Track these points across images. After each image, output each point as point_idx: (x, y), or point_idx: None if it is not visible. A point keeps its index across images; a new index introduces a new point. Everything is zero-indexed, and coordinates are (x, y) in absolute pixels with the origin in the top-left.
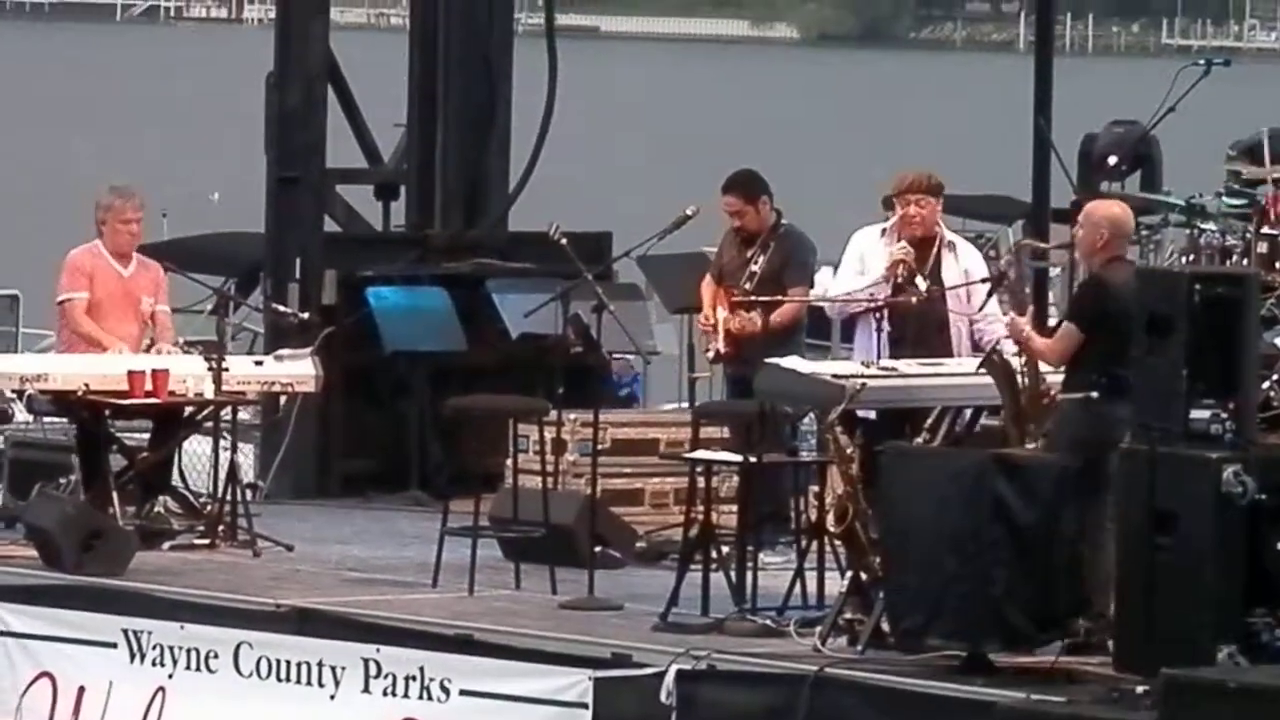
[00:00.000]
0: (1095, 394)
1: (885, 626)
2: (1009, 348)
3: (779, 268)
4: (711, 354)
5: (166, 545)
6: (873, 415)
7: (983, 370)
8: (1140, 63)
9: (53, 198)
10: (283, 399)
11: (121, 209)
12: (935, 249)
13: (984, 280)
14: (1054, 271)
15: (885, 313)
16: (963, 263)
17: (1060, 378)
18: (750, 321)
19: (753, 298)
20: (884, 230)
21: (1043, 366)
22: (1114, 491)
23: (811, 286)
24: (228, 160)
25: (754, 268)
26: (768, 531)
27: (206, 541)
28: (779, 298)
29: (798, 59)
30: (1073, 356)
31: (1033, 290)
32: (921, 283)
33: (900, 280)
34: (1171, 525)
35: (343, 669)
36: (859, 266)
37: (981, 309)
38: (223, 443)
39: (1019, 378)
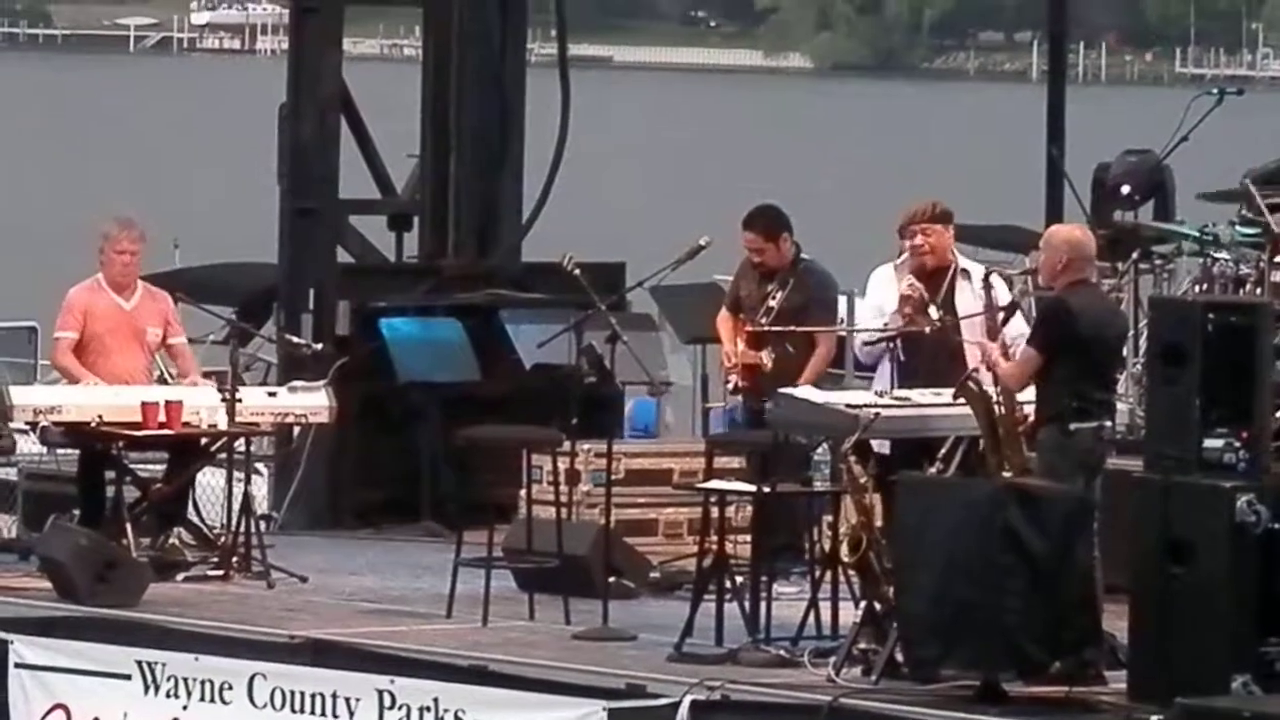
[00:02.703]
0: (1070, 422)
1: (899, 656)
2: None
3: (800, 305)
4: (731, 385)
5: (180, 577)
6: (886, 446)
7: (961, 399)
8: (1153, 92)
9: (68, 229)
10: (296, 430)
11: (118, 238)
12: (949, 278)
13: (1002, 308)
14: None
15: (899, 343)
16: (979, 289)
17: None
18: (758, 359)
19: (767, 330)
20: (896, 266)
21: (1022, 396)
22: (1126, 519)
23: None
24: (241, 191)
25: (771, 303)
26: (782, 561)
27: (220, 573)
28: (791, 328)
29: (811, 89)
30: (1040, 382)
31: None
32: (935, 312)
33: (911, 313)
34: (1185, 554)
35: (357, 700)
36: (878, 308)
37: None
38: (236, 474)
39: (995, 406)
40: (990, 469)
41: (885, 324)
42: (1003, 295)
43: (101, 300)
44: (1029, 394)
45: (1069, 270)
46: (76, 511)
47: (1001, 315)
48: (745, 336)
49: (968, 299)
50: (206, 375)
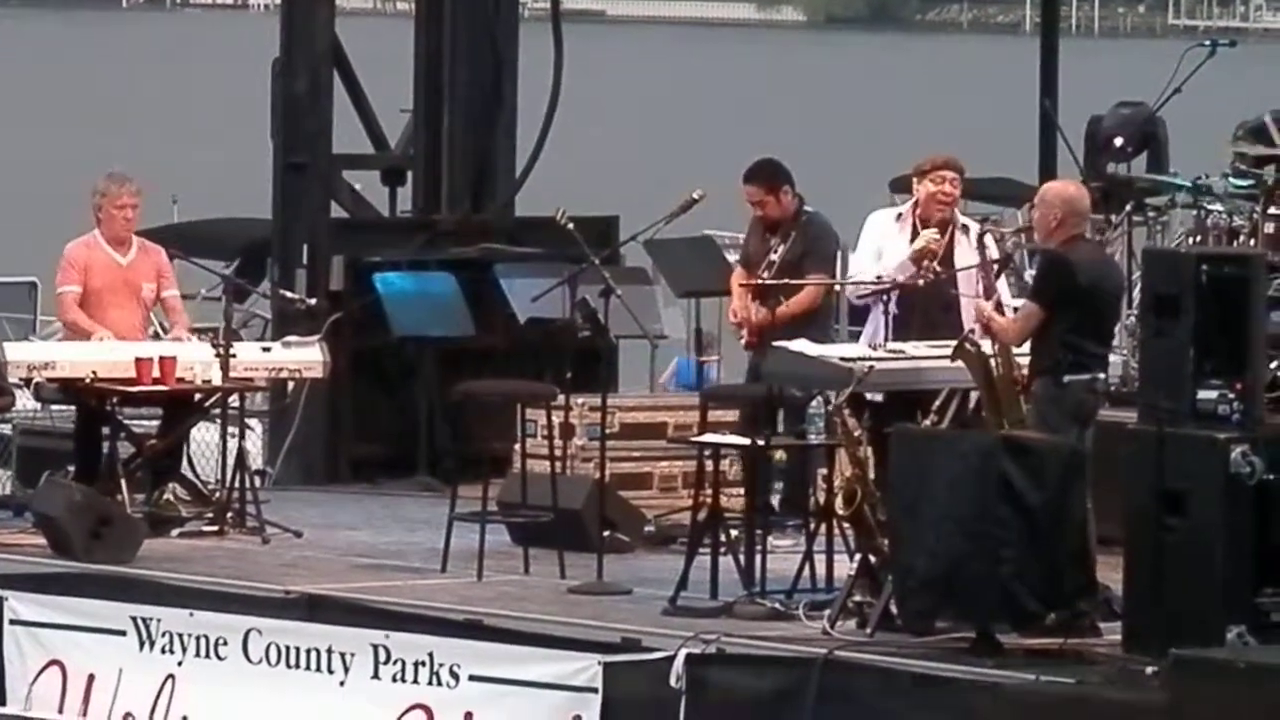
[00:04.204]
0: (1064, 373)
1: (894, 609)
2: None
3: (800, 256)
4: (743, 341)
5: (175, 532)
6: (879, 398)
7: (956, 360)
8: (1146, 44)
9: (65, 185)
10: (290, 385)
11: (116, 194)
12: (949, 233)
13: (996, 261)
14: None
15: (893, 296)
16: (974, 245)
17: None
18: (756, 310)
19: (769, 284)
20: (899, 215)
21: (1017, 351)
22: (1120, 471)
23: (833, 275)
24: (234, 146)
25: (773, 256)
26: (781, 514)
27: (215, 528)
28: (788, 281)
29: (804, 41)
30: (1037, 335)
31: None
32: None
33: (925, 269)
34: (1180, 506)
35: (352, 655)
36: (875, 251)
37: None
38: (230, 429)
39: (993, 364)
40: (990, 428)
41: (878, 276)
42: (993, 253)
43: (98, 256)
44: (1024, 348)
45: (1064, 226)
46: (71, 468)
47: (995, 268)
48: (751, 291)
49: (965, 254)
50: (203, 331)
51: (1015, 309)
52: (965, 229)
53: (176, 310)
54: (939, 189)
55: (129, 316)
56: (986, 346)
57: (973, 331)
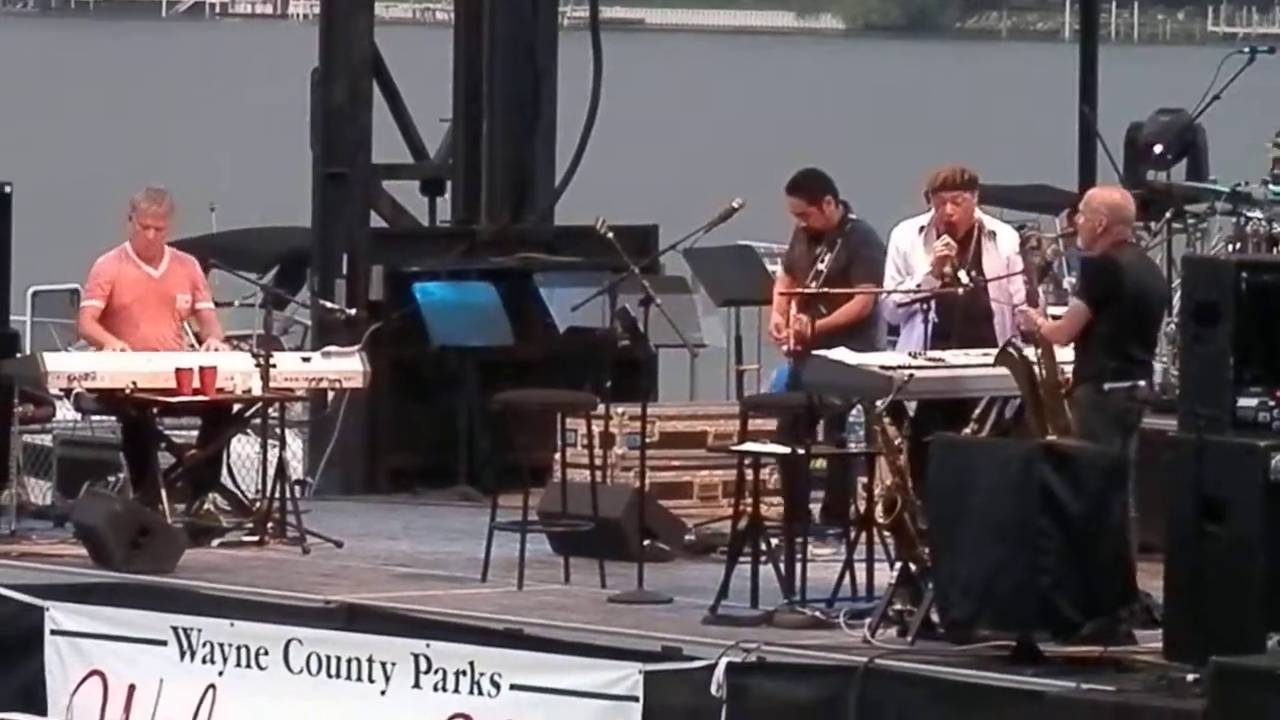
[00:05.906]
0: (1106, 380)
1: (935, 617)
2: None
3: (846, 265)
4: (785, 349)
5: (215, 542)
6: (912, 407)
7: (999, 365)
8: (1186, 50)
9: (106, 193)
10: (330, 395)
11: (145, 212)
12: (975, 239)
13: (1023, 272)
14: None
15: (931, 304)
16: (1004, 250)
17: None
18: (800, 322)
19: (816, 293)
20: (922, 227)
21: (1059, 354)
22: (1161, 478)
23: (879, 284)
24: (273, 155)
25: (820, 266)
26: (822, 523)
27: (255, 538)
28: (828, 290)
29: (843, 50)
30: (1081, 341)
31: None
32: (964, 275)
33: (948, 277)
34: (1220, 513)
35: (393, 665)
36: (901, 265)
37: (1038, 298)
38: (270, 440)
39: (1036, 369)
40: (1034, 434)
41: (918, 285)
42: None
43: (129, 269)
44: (1067, 354)
45: (1109, 233)
46: (112, 478)
47: (1039, 272)
48: (795, 300)
49: (993, 259)
50: (243, 339)
51: (1054, 316)
52: (992, 234)
53: (210, 322)
54: (941, 210)
55: (161, 329)
56: (1030, 352)
57: (1015, 337)
